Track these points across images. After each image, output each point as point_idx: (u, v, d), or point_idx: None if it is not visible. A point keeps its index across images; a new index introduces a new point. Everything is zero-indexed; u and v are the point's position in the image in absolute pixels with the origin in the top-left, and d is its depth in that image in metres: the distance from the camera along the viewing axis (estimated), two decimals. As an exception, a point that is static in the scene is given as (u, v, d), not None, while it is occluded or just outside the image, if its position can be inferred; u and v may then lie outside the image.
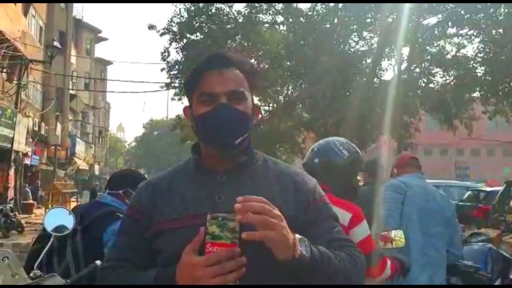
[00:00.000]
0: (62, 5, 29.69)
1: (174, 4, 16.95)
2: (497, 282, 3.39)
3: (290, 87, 18.32)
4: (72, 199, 21.90)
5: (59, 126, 27.89)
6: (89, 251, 2.21)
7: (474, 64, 14.81)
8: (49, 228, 2.16)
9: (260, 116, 1.46)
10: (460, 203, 15.24)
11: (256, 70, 1.46)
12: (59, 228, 2.19)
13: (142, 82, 71.06)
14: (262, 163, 1.40)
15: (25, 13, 22.26)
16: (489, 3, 13.68)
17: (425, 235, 2.93)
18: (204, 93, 1.31)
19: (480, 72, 14.91)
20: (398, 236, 2.55)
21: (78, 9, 36.71)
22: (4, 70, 18.68)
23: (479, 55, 14.87)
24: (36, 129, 23.28)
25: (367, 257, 2.11)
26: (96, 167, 45.22)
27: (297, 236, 1.16)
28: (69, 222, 2.21)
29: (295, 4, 16.56)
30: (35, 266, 2.03)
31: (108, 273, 1.32)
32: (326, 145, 2.42)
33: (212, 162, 1.35)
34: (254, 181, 1.33)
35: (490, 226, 8.97)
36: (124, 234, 1.37)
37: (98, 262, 1.83)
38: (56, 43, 19.80)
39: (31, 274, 1.90)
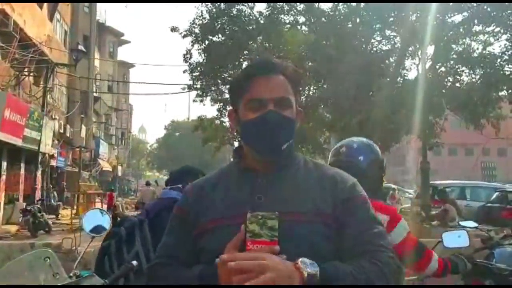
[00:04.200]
0: (86, 9, 30.22)
1: (196, 6, 17.07)
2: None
3: (312, 88, 18.23)
4: (96, 200, 22.17)
5: (83, 128, 28.37)
6: (157, 239, 2.30)
7: (501, 62, 14.50)
8: (88, 228, 2.21)
9: (302, 118, 1.48)
10: (488, 205, 14.98)
11: (300, 74, 1.51)
12: (97, 229, 2.24)
13: (164, 84, 71.74)
14: (303, 165, 1.43)
15: (51, 18, 22.69)
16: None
17: None
18: (252, 99, 1.36)
19: (507, 71, 14.59)
20: (463, 236, 2.73)
21: (101, 13, 37.29)
22: (31, 74, 19.06)
23: (506, 52, 14.55)
24: (62, 131, 23.70)
25: (410, 253, 2.19)
26: (119, 168, 45.77)
27: (300, 260, 1.16)
28: (105, 222, 2.27)
29: (316, 5, 16.50)
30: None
31: (156, 270, 1.39)
32: (366, 143, 2.38)
33: (255, 164, 1.40)
34: (294, 182, 1.37)
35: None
36: (172, 232, 1.45)
37: (134, 262, 1.86)
38: (80, 47, 20.17)
39: (71, 274, 1.94)
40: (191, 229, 1.37)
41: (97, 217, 2.34)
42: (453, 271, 2.56)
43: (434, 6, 13.52)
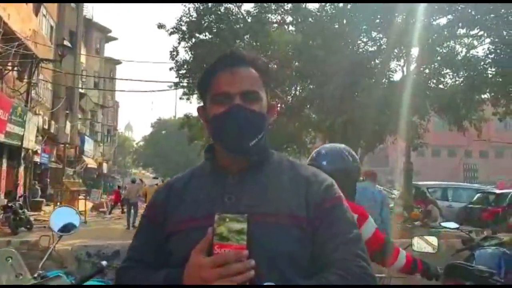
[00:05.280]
0: (73, 4, 29.90)
1: (183, 3, 16.96)
2: (511, 287, 3.32)
3: (298, 88, 18.25)
4: (80, 197, 21.97)
5: (68, 124, 28.06)
6: None
7: (484, 65, 14.66)
8: (56, 228, 2.14)
9: (276, 113, 1.42)
10: (469, 206, 15.16)
11: (270, 67, 1.43)
12: (67, 227, 2.17)
13: (151, 81, 71.36)
14: (277, 164, 1.36)
15: (36, 13, 22.39)
16: (499, 4, 13.53)
17: None
18: (217, 93, 1.29)
19: (490, 73, 14.76)
20: (432, 241, 2.83)
21: (89, 9, 36.87)
22: (15, 69, 18.80)
23: (489, 56, 14.72)
24: (46, 127, 23.42)
25: (378, 249, 2.27)
26: (105, 165, 45.39)
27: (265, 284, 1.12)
28: (75, 220, 2.19)
29: (304, 4, 16.50)
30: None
31: (123, 273, 1.33)
32: (334, 149, 2.47)
33: (226, 162, 1.33)
34: (267, 181, 1.30)
35: (506, 230, 8.92)
36: (141, 234, 1.38)
37: (104, 262, 1.81)
38: (66, 42, 19.96)
39: (35, 275, 1.88)
40: (160, 231, 1.30)
41: (66, 214, 2.25)
42: (424, 273, 2.62)
43: (419, 8, 13.62)
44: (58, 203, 19.56)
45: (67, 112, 27.99)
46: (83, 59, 33.02)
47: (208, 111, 1.33)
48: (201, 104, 1.41)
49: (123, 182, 58.84)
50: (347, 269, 1.17)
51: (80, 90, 31.96)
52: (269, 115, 1.35)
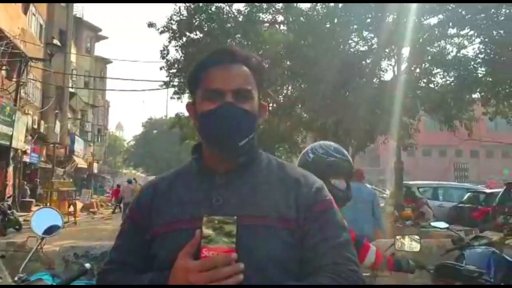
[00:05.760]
0: (63, 3, 29.64)
1: (175, 3, 16.87)
2: (500, 287, 3.32)
3: (289, 87, 18.25)
4: (70, 198, 21.83)
5: (58, 124, 27.88)
6: None
7: (474, 65, 14.73)
8: (39, 231, 2.08)
9: (267, 113, 1.38)
10: (460, 205, 15.24)
11: (263, 66, 1.39)
12: (51, 229, 2.11)
13: (142, 80, 71.02)
14: (266, 164, 1.32)
15: (25, 11, 22.22)
16: (489, 4, 13.60)
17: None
18: (208, 89, 1.25)
19: (480, 73, 14.84)
20: (408, 242, 2.85)
21: (79, 8, 36.62)
22: (4, 68, 18.63)
23: (479, 55, 14.79)
24: (36, 127, 23.26)
25: None
26: (95, 165, 45.14)
27: None
28: (58, 221, 2.14)
29: (295, 4, 16.49)
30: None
31: (106, 276, 1.28)
32: (336, 145, 2.50)
33: (213, 162, 1.29)
34: (255, 182, 1.26)
35: (494, 229, 8.96)
36: (124, 236, 1.33)
37: (87, 265, 1.77)
38: (56, 41, 19.79)
39: (16, 278, 1.83)
40: (144, 233, 1.26)
41: (49, 216, 2.19)
42: (397, 268, 2.71)
43: (410, 8, 13.65)
44: (48, 204, 19.43)
45: (57, 111, 27.80)
46: (73, 58, 32.81)
47: (197, 107, 1.28)
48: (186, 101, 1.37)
49: (113, 182, 58.70)
50: (338, 273, 1.16)
51: (70, 90, 31.77)
52: (259, 115, 1.31)
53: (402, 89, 13.66)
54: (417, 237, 2.98)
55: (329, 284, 1.13)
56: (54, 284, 1.81)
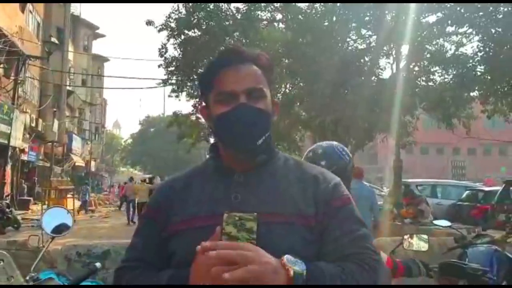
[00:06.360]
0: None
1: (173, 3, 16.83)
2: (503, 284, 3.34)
3: (288, 85, 18.24)
4: (68, 196, 21.81)
5: (56, 122, 27.81)
6: None
7: (473, 63, 14.75)
8: (48, 229, 2.07)
9: (278, 110, 1.38)
10: (458, 203, 15.28)
11: (272, 64, 1.39)
12: (60, 228, 2.11)
13: (139, 78, 70.81)
14: (283, 162, 1.33)
15: (23, 9, 22.16)
16: (488, 3, 13.61)
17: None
18: (221, 92, 1.25)
19: (479, 71, 14.86)
20: (416, 241, 2.81)
21: (76, 6, 36.54)
22: (1, 66, 18.57)
23: (478, 53, 14.81)
24: (33, 125, 23.21)
25: None
26: (92, 163, 45.08)
27: (286, 257, 1.08)
28: (68, 220, 2.14)
29: (293, 2, 16.47)
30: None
31: (123, 274, 1.28)
32: (330, 147, 2.43)
33: (231, 161, 1.29)
34: (273, 180, 1.27)
35: (495, 227, 9.01)
36: (141, 234, 1.33)
37: (98, 264, 1.76)
38: (53, 39, 19.76)
39: (27, 278, 1.83)
40: (161, 231, 1.27)
41: (59, 215, 2.18)
42: (407, 274, 2.63)
43: (409, 6, 13.65)
44: (46, 202, 19.40)
45: (55, 110, 27.72)
46: (70, 56, 32.74)
47: (212, 111, 1.29)
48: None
49: (111, 181, 58.60)
50: (363, 260, 1.17)
51: (68, 88, 31.70)
52: (273, 113, 1.32)
53: (401, 87, 13.67)
54: (425, 236, 2.97)
55: (356, 271, 1.14)
56: (66, 284, 1.80)
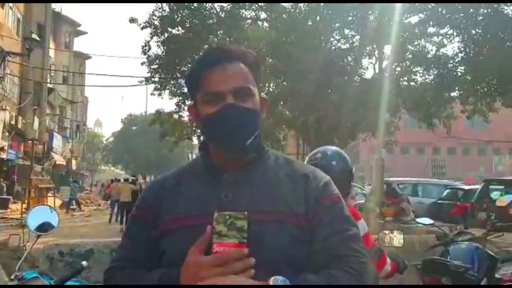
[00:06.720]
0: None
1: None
2: (484, 281, 3.40)
3: (272, 84, 18.26)
4: (49, 195, 21.53)
5: (36, 120, 27.38)
6: None
7: (454, 64, 14.97)
8: (33, 227, 2.04)
9: (267, 107, 1.38)
10: (439, 201, 15.48)
11: (259, 61, 1.37)
12: (44, 226, 2.08)
13: (121, 76, 70.10)
14: (273, 161, 1.32)
15: (2, 5, 21.78)
16: (468, 4, 13.81)
17: None
18: (208, 92, 1.24)
19: (460, 72, 15.08)
20: (397, 236, 2.82)
21: (57, 2, 35.91)
22: (-20, 62, 18.24)
23: (459, 54, 15.04)
24: (13, 123, 22.84)
25: (368, 253, 2.30)
26: (73, 162, 44.52)
27: (272, 278, 1.08)
28: (53, 219, 2.11)
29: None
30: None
31: (113, 274, 1.27)
32: (337, 151, 2.60)
33: (221, 160, 1.28)
34: (264, 179, 1.26)
35: (476, 225, 9.15)
36: (131, 234, 1.33)
37: (84, 263, 1.75)
38: (34, 36, 19.43)
39: (12, 276, 1.80)
40: (151, 230, 1.25)
41: (44, 213, 2.15)
42: (398, 271, 2.73)
43: (391, 7, 13.78)
44: (26, 201, 19.12)
45: (35, 107, 27.28)
46: (51, 53, 32.26)
47: (200, 111, 1.28)
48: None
49: (92, 179, 57.95)
50: (350, 265, 1.17)
51: (49, 85, 31.21)
52: (262, 111, 1.31)
53: (384, 87, 13.79)
54: (400, 232, 3.04)
55: (343, 278, 1.14)
56: (51, 283, 1.78)
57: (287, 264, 1.15)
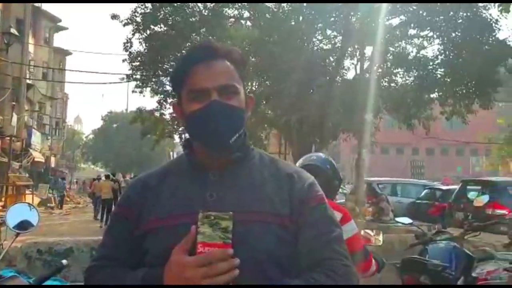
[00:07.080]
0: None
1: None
2: (461, 280, 3.47)
3: (254, 83, 18.26)
4: (27, 192, 21.18)
5: (15, 116, 26.92)
6: None
7: (434, 66, 15.17)
8: (12, 224, 2.01)
9: (252, 105, 1.37)
10: (417, 201, 15.69)
11: (245, 59, 1.38)
12: (23, 224, 2.05)
13: (102, 73, 69.57)
14: (258, 160, 1.32)
15: (-20, -2, 21.32)
16: (448, 6, 13.99)
17: None
18: (193, 89, 1.23)
19: (439, 74, 15.30)
20: (377, 236, 2.91)
21: (37, -4, 35.29)
22: (-44, 57, 17.85)
23: (439, 57, 15.25)
24: (-10, 119, 22.38)
25: (356, 253, 2.31)
26: (52, 159, 43.88)
27: None
28: (32, 217, 2.08)
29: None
30: None
31: (94, 272, 1.25)
32: (330, 159, 2.81)
33: (205, 158, 1.27)
34: (249, 179, 1.26)
35: (453, 225, 9.28)
36: (112, 232, 1.30)
37: (64, 261, 1.73)
38: (13, 30, 19.13)
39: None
40: (134, 229, 1.24)
41: (23, 211, 2.11)
42: (379, 270, 2.79)
43: (373, 8, 13.90)
44: (3, 199, 18.79)
45: (14, 103, 26.81)
46: (31, 48, 31.74)
47: (184, 108, 1.27)
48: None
49: (72, 177, 57.19)
50: (333, 268, 1.17)
51: (28, 81, 30.71)
52: (247, 108, 1.31)
53: (365, 88, 13.91)
54: (380, 231, 3.12)
55: (325, 283, 1.14)
56: (30, 282, 1.75)
57: (272, 264, 1.16)
